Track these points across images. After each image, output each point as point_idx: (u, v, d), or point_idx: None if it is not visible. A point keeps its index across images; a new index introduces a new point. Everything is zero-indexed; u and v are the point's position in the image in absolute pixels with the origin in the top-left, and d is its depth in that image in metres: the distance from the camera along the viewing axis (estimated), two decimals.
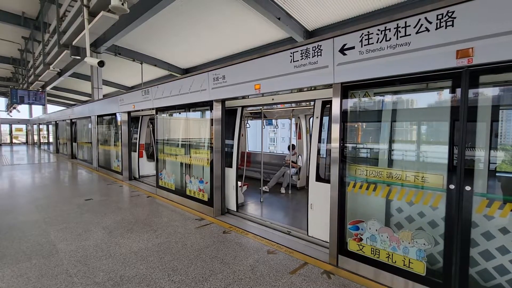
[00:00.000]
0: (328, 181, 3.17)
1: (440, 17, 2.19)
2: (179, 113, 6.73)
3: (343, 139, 2.96)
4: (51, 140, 19.96)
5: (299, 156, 6.97)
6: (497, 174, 2.49)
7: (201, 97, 4.78)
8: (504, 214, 2.15)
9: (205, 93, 4.66)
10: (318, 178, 3.56)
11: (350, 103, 2.98)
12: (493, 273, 2.28)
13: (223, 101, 4.69)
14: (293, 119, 6.56)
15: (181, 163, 5.73)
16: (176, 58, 13.81)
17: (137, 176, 8.24)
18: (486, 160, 2.39)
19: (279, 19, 7.79)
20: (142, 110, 7.05)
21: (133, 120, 8.36)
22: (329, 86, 3.04)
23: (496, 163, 2.49)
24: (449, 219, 2.32)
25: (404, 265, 2.56)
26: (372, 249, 2.77)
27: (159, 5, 6.86)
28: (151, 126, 9.30)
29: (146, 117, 8.49)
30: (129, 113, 7.69)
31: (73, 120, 13.37)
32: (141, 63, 13.28)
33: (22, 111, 25.85)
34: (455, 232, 2.27)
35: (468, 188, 2.20)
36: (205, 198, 4.92)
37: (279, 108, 6.85)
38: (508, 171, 2.52)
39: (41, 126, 22.85)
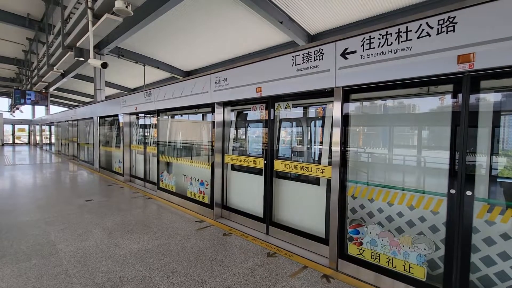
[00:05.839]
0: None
1: (441, 22, 2.20)
2: (181, 115, 6.77)
3: (344, 143, 2.96)
4: (53, 140, 20.07)
5: None
6: (498, 180, 2.49)
7: (203, 100, 4.80)
8: (505, 220, 2.14)
9: (207, 95, 4.68)
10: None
11: (351, 107, 2.99)
12: (494, 279, 2.27)
13: (224, 104, 4.72)
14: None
15: (185, 165, 5.74)
16: (178, 60, 13.90)
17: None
18: (487, 165, 2.39)
19: (281, 23, 7.84)
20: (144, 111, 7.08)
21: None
22: (330, 90, 3.05)
23: (497, 169, 2.48)
24: (450, 224, 2.31)
25: (404, 270, 2.55)
26: (373, 254, 2.76)
27: (162, 8, 6.93)
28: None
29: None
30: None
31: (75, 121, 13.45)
32: (144, 65, 13.38)
33: (25, 112, 26.02)
34: (456, 237, 2.26)
35: (469, 193, 2.19)
36: (206, 200, 4.93)
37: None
38: (509, 176, 2.52)
39: (43, 127, 22.99)
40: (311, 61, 3.14)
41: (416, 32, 2.34)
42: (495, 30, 1.98)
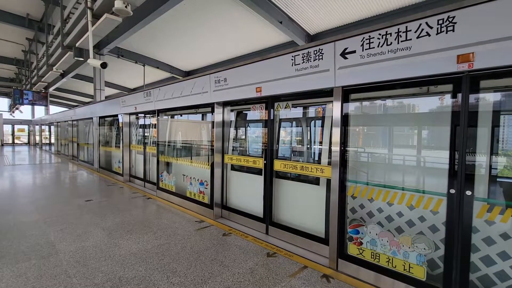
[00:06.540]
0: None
1: (440, 22, 2.20)
2: (180, 115, 6.76)
3: (343, 142, 2.96)
4: (52, 141, 20.06)
5: None
6: (498, 180, 2.49)
7: (203, 100, 4.79)
8: (505, 219, 2.14)
9: (207, 95, 4.68)
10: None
11: (351, 107, 2.99)
12: (494, 278, 2.27)
13: (224, 104, 4.71)
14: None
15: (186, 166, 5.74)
16: (178, 60, 13.90)
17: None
18: (487, 165, 2.39)
19: (281, 23, 7.85)
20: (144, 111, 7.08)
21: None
22: (329, 89, 3.05)
23: (497, 169, 2.49)
24: (450, 224, 2.31)
25: (404, 269, 2.55)
26: (372, 253, 2.75)
27: (162, 8, 6.93)
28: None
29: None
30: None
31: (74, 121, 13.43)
32: (144, 65, 13.37)
33: (24, 112, 26.02)
34: (456, 237, 2.26)
35: (468, 192, 2.19)
36: (205, 200, 4.92)
37: None
38: (509, 176, 2.52)
39: (43, 127, 22.96)
40: (310, 61, 3.13)
41: (415, 32, 2.34)
42: (494, 30, 1.98)
